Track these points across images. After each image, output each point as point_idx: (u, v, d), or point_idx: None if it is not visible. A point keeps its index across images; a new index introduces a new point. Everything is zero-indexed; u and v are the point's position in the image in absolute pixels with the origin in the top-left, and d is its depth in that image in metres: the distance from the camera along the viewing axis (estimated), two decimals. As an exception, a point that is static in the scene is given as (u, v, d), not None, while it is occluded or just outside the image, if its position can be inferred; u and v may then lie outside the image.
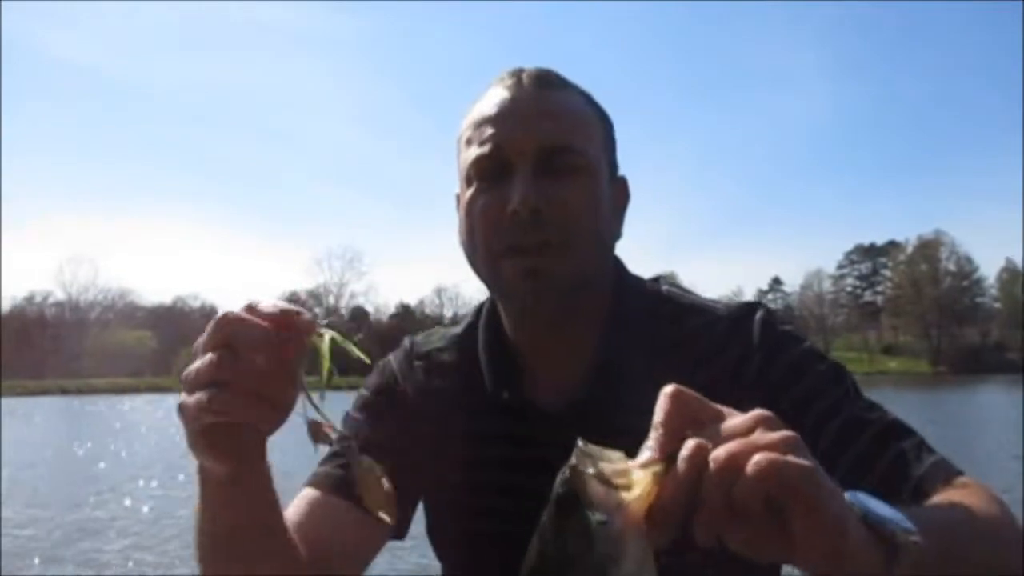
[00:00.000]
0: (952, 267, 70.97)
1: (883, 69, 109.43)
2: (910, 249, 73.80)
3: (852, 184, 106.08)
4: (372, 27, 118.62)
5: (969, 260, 70.64)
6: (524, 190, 0.92)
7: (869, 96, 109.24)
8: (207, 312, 75.60)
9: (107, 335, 66.04)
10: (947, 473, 0.85)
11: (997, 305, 69.91)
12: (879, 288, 77.46)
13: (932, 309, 68.06)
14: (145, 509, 9.64)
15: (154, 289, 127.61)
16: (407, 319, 67.84)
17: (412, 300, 77.13)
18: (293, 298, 73.44)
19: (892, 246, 76.19)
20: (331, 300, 73.03)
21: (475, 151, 0.98)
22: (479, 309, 1.08)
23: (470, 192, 0.99)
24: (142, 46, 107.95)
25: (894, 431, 0.89)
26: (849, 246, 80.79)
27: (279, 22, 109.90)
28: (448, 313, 71.00)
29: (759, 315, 0.99)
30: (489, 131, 0.97)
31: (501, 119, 0.97)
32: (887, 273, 76.59)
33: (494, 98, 1.00)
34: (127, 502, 10.16)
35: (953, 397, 30.45)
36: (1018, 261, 68.59)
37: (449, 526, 1.07)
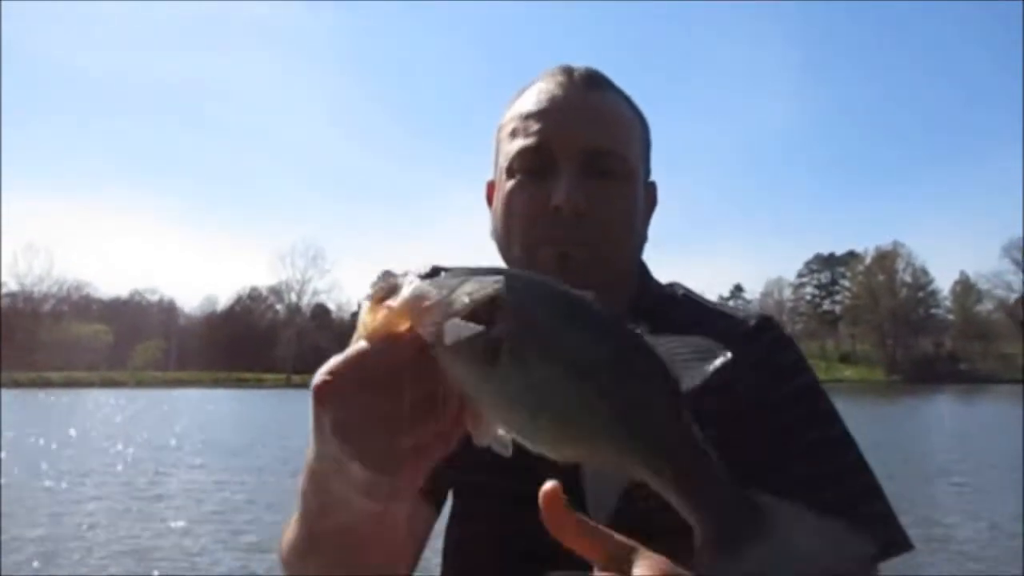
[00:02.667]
0: (908, 278, 72.35)
1: (847, 77, 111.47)
2: (868, 260, 75.02)
3: (814, 192, 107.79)
4: (335, 24, 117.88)
5: (925, 272, 72.14)
6: (569, 188, 0.92)
7: (832, 104, 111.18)
8: (165, 306, 74.66)
9: (62, 328, 64.59)
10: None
11: (951, 317, 71.42)
12: (837, 297, 78.59)
13: (888, 319, 69.34)
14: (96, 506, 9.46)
15: (111, 282, 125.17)
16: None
17: (376, 299, 76.46)
18: (254, 294, 73.33)
19: (851, 256, 77.41)
20: (293, 297, 72.30)
21: (520, 143, 0.98)
22: None
23: (511, 183, 0.98)
24: (104, 36, 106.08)
25: (865, 496, 0.92)
26: (809, 255, 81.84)
27: (244, 18, 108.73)
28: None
29: (778, 333, 1.01)
30: (537, 125, 0.97)
31: (550, 115, 0.97)
32: (846, 283, 77.74)
33: (543, 93, 1.00)
34: (86, 500, 9.95)
35: (906, 405, 31.04)
36: (972, 274, 70.19)
37: (453, 505, 1.07)
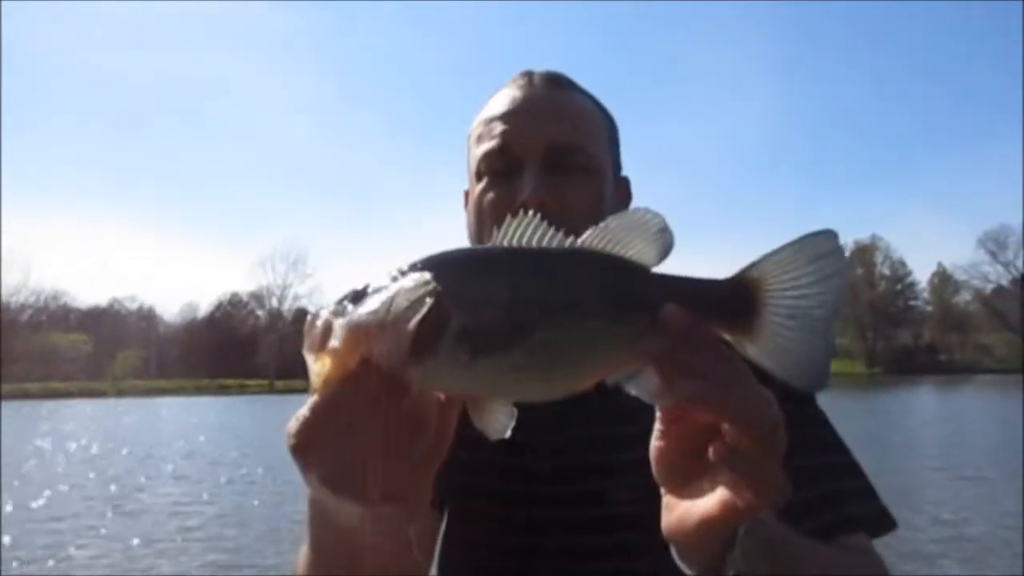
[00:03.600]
0: (887, 271, 72.94)
1: (826, 73, 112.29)
2: (847, 253, 75.41)
3: (793, 189, 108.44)
4: (314, 25, 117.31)
5: (903, 264, 72.79)
6: (534, 184, 0.95)
7: (810, 102, 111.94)
8: (145, 314, 73.95)
9: (39, 338, 63.77)
10: (859, 526, 0.90)
11: (929, 308, 72.10)
12: (818, 291, 79.06)
13: (867, 312, 69.92)
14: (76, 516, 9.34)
15: (89, 290, 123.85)
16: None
17: (358, 302, 75.99)
18: (235, 300, 72.82)
19: (830, 250, 77.89)
20: (274, 302, 71.80)
21: (485, 146, 1.01)
22: None
23: (480, 187, 1.01)
24: (77, 40, 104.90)
25: (848, 472, 0.95)
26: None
27: (221, 20, 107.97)
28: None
29: None
30: (500, 128, 1.00)
31: (512, 116, 1.00)
32: (825, 277, 78.23)
33: (505, 97, 1.03)
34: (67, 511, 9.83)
35: (888, 397, 31.33)
36: (948, 266, 70.95)
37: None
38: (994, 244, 64.90)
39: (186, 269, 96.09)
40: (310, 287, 75.04)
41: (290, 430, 0.56)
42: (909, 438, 14.99)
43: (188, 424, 25.49)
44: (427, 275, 0.56)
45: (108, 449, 17.07)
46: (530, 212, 0.61)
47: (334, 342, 0.55)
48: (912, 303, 73.44)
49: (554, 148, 0.98)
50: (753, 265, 0.60)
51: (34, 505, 9.96)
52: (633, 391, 0.60)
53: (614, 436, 0.98)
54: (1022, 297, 62.31)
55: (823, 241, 0.60)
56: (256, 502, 10.07)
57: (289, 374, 63.80)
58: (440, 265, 0.58)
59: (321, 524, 0.68)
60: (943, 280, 71.14)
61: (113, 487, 11.50)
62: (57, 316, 70.61)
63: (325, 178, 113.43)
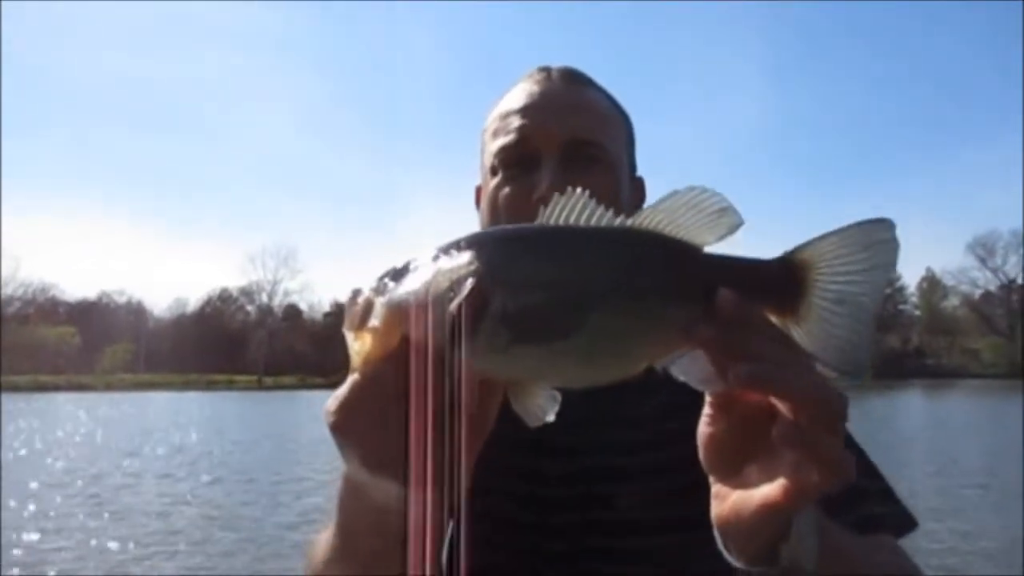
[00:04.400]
0: (876, 275, 73.14)
1: (818, 75, 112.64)
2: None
3: (783, 192, 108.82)
4: (305, 24, 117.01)
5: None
6: (551, 178, 0.93)
7: (800, 104, 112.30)
8: (134, 308, 73.57)
9: (27, 331, 63.35)
10: (888, 527, 0.89)
11: (918, 313, 72.46)
12: (808, 294, 79.38)
13: (857, 316, 70.05)
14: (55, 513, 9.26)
15: (78, 284, 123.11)
16: (341, 318, 66.11)
17: (347, 299, 75.67)
18: (224, 295, 72.46)
19: (820, 254, 78.20)
20: (264, 298, 71.60)
21: (502, 140, 0.99)
22: None
23: (495, 181, 1.00)
24: (61, 36, 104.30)
25: (868, 474, 0.95)
26: (779, 253, 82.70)
27: (212, 19, 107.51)
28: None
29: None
30: (518, 122, 0.99)
31: (529, 111, 0.99)
32: (816, 280, 78.55)
33: (523, 91, 1.02)
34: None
35: (876, 402, 31.46)
36: (938, 271, 71.29)
37: None
38: (983, 249, 65.37)
39: (176, 264, 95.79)
40: (300, 283, 75.13)
41: (329, 408, 0.55)
42: (898, 442, 15.06)
43: (176, 420, 25.35)
44: (469, 254, 0.55)
45: (92, 445, 16.95)
46: (579, 190, 0.59)
47: (375, 320, 0.54)
48: (901, 307, 73.80)
49: (572, 142, 0.96)
50: (804, 246, 0.59)
51: (12, 504, 9.82)
52: (681, 377, 0.59)
53: (624, 441, 0.98)
54: (1010, 302, 62.69)
55: (879, 229, 0.58)
56: (241, 502, 10.00)
57: (279, 370, 63.64)
58: (483, 244, 0.56)
59: (353, 503, 0.67)
60: (932, 285, 71.53)
61: (89, 485, 11.38)
62: (45, 309, 70.19)
63: (316, 175, 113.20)
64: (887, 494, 0.94)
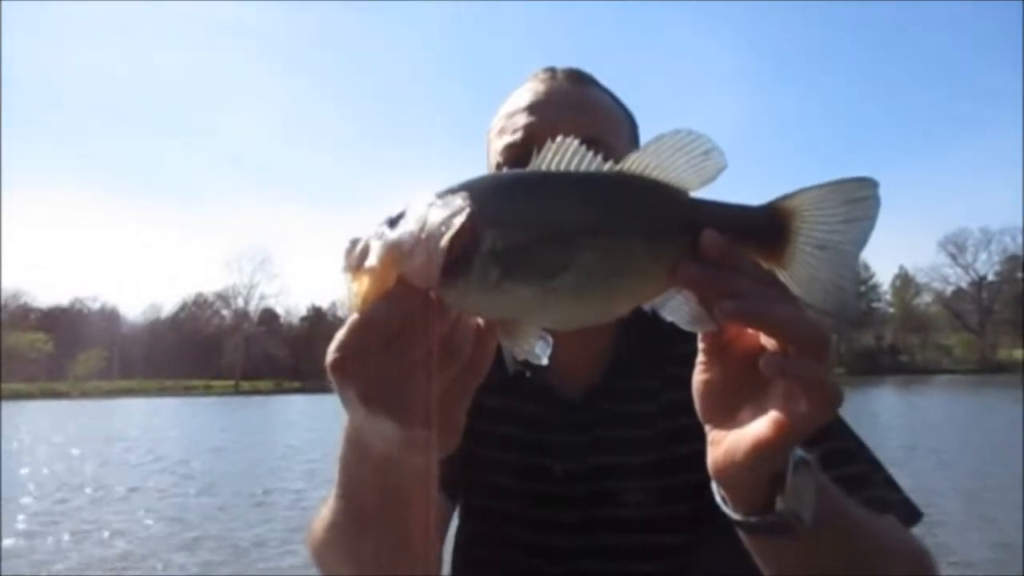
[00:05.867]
0: (850, 273, 73.84)
1: (797, 73, 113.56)
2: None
3: (756, 191, 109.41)
4: (284, 23, 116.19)
5: (866, 267, 73.78)
6: None
7: (775, 102, 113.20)
8: (107, 314, 72.55)
9: (-3, 338, 62.33)
10: (894, 509, 0.88)
11: (891, 310, 73.26)
12: (783, 293, 79.97)
13: (832, 313, 70.75)
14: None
15: (50, 290, 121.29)
16: (318, 322, 66.58)
17: (324, 302, 75.47)
18: (200, 300, 71.73)
19: (795, 253, 78.80)
20: (240, 302, 70.93)
21: (508, 139, 1.00)
22: None
23: None
24: (39, 33, 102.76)
25: (873, 467, 0.95)
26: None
27: (189, 15, 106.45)
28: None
29: None
30: (524, 120, 1.00)
31: (535, 110, 1.00)
32: (790, 278, 79.16)
33: (528, 91, 1.03)
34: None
35: (854, 397, 31.74)
36: (910, 268, 72.17)
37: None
38: (954, 247, 66.19)
39: (150, 268, 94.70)
40: (277, 287, 74.62)
41: (330, 349, 0.56)
42: (873, 436, 15.16)
43: (151, 426, 25.05)
44: (462, 196, 0.56)
45: (65, 454, 16.72)
46: (569, 137, 0.60)
47: (372, 260, 0.55)
48: (875, 305, 74.63)
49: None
50: (789, 196, 0.61)
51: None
52: (669, 317, 0.60)
53: (627, 439, 0.99)
54: (980, 299, 63.63)
55: (859, 186, 0.61)
56: (218, 509, 9.92)
57: (255, 375, 63.14)
58: (476, 187, 0.58)
59: (354, 456, 0.68)
60: (905, 282, 72.36)
61: (62, 494, 11.25)
62: (17, 316, 69.08)
63: (293, 179, 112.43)
64: (889, 483, 0.94)
